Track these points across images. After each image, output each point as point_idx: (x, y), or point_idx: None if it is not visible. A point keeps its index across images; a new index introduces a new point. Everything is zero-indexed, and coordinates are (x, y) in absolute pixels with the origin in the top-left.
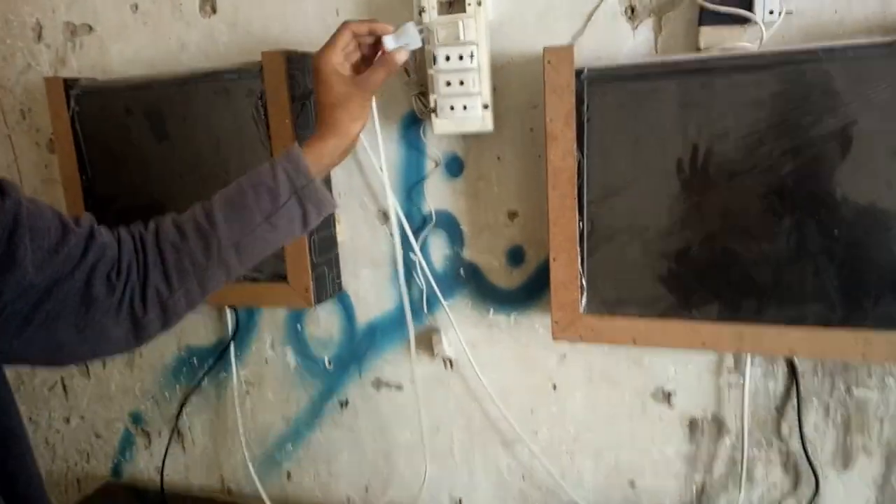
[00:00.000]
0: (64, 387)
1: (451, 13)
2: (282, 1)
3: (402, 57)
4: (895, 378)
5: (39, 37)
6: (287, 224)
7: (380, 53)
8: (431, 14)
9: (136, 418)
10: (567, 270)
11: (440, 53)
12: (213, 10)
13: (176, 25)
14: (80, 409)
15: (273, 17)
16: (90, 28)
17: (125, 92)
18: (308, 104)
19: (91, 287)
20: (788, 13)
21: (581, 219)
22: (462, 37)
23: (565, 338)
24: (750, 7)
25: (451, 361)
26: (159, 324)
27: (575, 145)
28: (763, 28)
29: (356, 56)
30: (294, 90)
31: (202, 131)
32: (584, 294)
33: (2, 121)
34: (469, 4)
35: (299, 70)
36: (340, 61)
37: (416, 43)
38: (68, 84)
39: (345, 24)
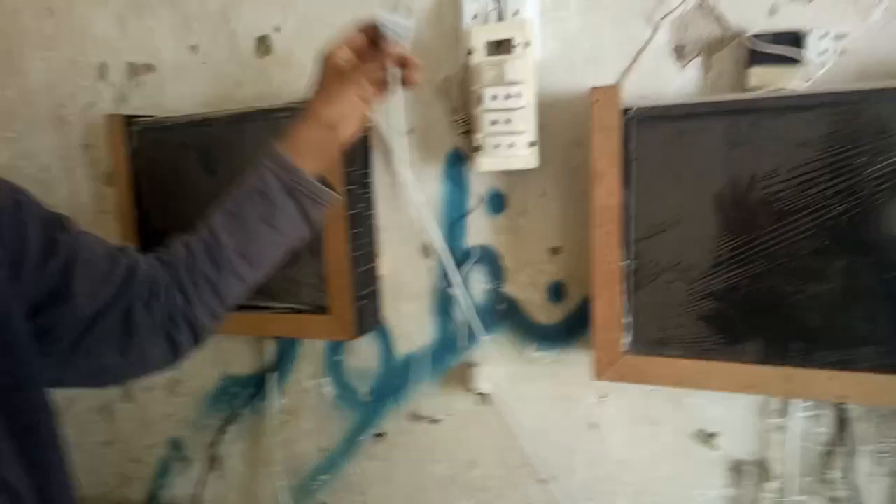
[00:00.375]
0: (108, 411)
1: (499, 54)
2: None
3: (392, 49)
4: None
5: (103, 76)
6: (288, 223)
7: None
8: (480, 55)
9: (176, 444)
10: (609, 309)
11: (487, 93)
12: (268, 52)
13: (232, 65)
14: (121, 434)
15: None
16: (150, 67)
17: (181, 129)
18: (356, 143)
19: (133, 313)
20: (841, 53)
21: (626, 257)
22: (510, 77)
23: (607, 377)
24: (801, 47)
25: (488, 396)
26: (192, 340)
27: (620, 183)
28: (815, 68)
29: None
30: None
31: (252, 167)
32: (628, 333)
33: (66, 155)
34: (517, 45)
35: None
36: (344, 57)
37: (404, 28)
38: (128, 121)
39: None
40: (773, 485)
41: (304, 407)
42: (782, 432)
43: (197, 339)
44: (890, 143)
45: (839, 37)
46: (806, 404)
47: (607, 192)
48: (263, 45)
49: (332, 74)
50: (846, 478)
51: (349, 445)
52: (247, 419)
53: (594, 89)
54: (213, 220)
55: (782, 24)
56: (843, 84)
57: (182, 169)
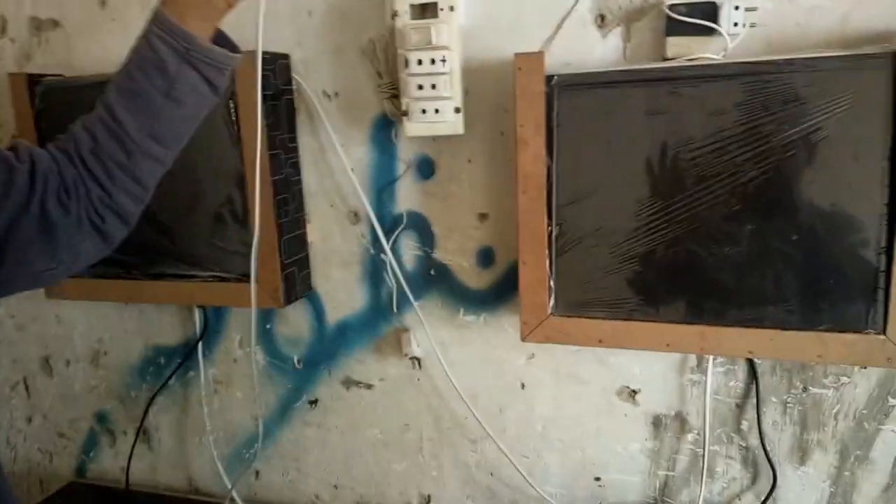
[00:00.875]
0: (26, 386)
1: (423, 18)
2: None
3: None
4: (849, 377)
5: (3, 31)
6: (193, 94)
7: None
8: (404, 18)
9: (101, 418)
10: (535, 273)
11: (412, 57)
12: None
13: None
14: (42, 409)
15: (244, 17)
16: (56, 23)
17: (91, 89)
18: (279, 104)
19: (47, 215)
20: (752, 25)
21: (550, 222)
22: (434, 41)
23: (533, 339)
24: (715, 19)
25: (420, 361)
26: (120, 225)
27: (544, 150)
28: (728, 39)
29: None
30: (266, 90)
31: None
32: (552, 296)
33: None
34: (441, 9)
35: (271, 71)
36: None
37: None
38: (33, 80)
39: None
40: (691, 436)
41: (236, 376)
42: (699, 387)
43: (125, 222)
44: (796, 113)
45: (749, 10)
46: (720, 360)
47: (532, 158)
48: None
49: None
50: (756, 427)
51: (283, 413)
52: (176, 390)
53: (518, 56)
54: (111, 100)
55: None
56: (755, 55)
57: None
